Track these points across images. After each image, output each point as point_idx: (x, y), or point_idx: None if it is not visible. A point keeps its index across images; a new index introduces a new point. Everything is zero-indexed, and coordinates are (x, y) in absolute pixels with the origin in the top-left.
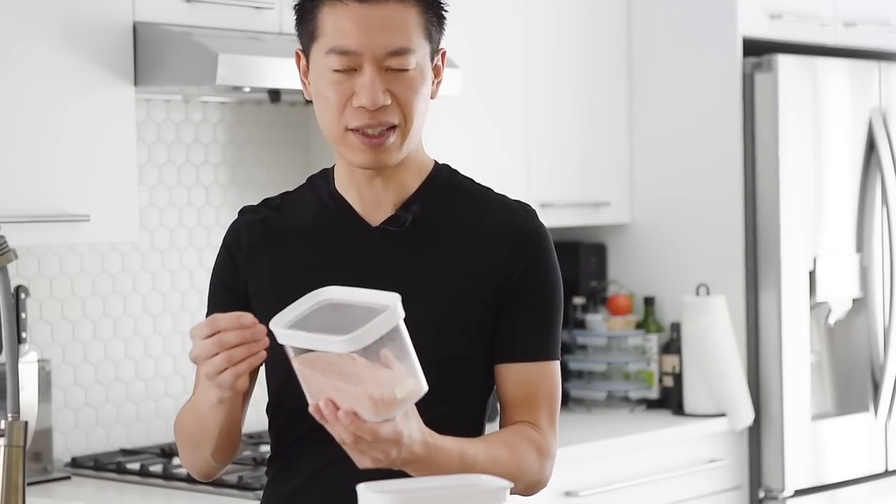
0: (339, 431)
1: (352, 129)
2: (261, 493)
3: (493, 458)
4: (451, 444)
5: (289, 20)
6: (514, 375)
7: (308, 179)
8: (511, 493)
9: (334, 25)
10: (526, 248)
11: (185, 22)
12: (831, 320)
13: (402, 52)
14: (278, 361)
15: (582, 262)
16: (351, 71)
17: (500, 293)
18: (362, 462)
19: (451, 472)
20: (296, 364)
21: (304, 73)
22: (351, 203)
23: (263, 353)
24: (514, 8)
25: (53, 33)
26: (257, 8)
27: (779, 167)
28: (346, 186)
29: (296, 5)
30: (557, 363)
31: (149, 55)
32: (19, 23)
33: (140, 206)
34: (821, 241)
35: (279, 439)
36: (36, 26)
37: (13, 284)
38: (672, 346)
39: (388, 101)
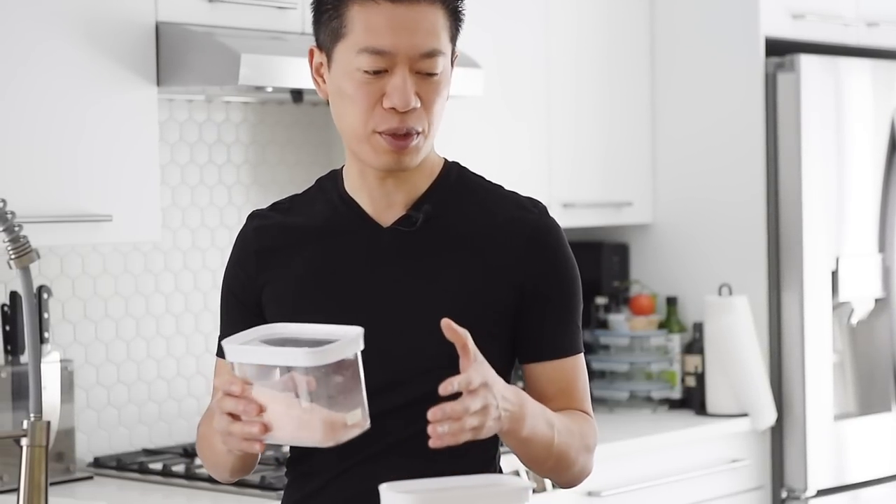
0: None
1: (379, 132)
2: (282, 492)
3: (565, 423)
4: (530, 398)
5: (311, 20)
6: (547, 373)
7: (316, 181)
8: (562, 479)
9: (366, 25)
10: (542, 246)
11: (208, 22)
12: (854, 320)
13: (433, 53)
14: None
15: (604, 261)
16: (381, 72)
17: (516, 291)
18: (473, 435)
19: (540, 427)
20: (253, 389)
21: (317, 71)
22: (361, 205)
23: (257, 446)
24: (537, 8)
25: (76, 33)
26: (280, 8)
27: (801, 167)
28: (357, 188)
29: (315, 1)
30: (583, 354)
31: (171, 55)
32: (42, 22)
33: (163, 206)
34: (843, 241)
35: None
36: (59, 26)
37: (35, 284)
38: (694, 346)
39: (418, 105)
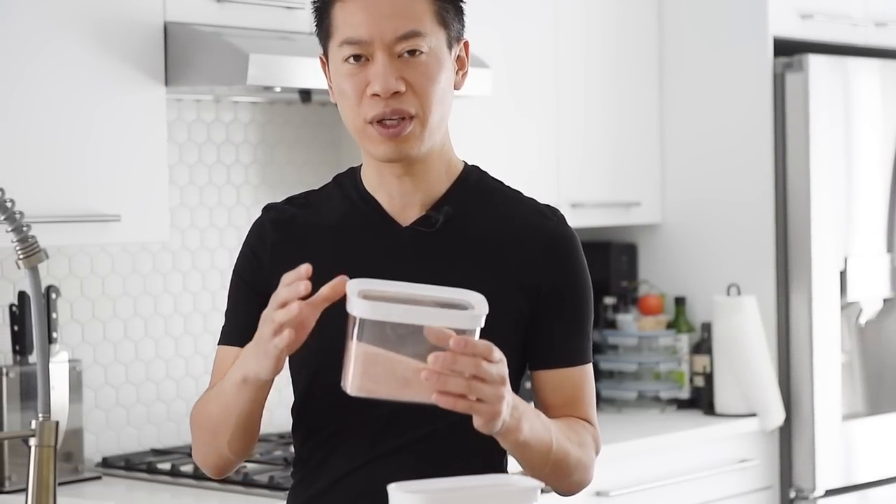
0: (456, 381)
1: (371, 122)
2: (288, 492)
3: (563, 431)
4: (522, 401)
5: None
6: (555, 381)
7: (334, 178)
8: (559, 486)
9: (345, 19)
10: (560, 255)
11: (216, 22)
12: (862, 320)
13: (411, 34)
14: (304, 362)
15: (613, 262)
16: (365, 62)
17: (531, 297)
18: (489, 416)
19: (538, 429)
20: (364, 346)
21: (330, 77)
22: (380, 202)
23: (307, 325)
24: (545, 8)
25: (84, 33)
26: (288, 8)
27: (809, 167)
28: (375, 186)
29: (313, 10)
30: (591, 364)
31: (180, 55)
32: (50, 22)
33: (171, 206)
34: (851, 241)
35: (306, 441)
36: (67, 26)
37: (44, 284)
38: (703, 346)
39: (402, 88)
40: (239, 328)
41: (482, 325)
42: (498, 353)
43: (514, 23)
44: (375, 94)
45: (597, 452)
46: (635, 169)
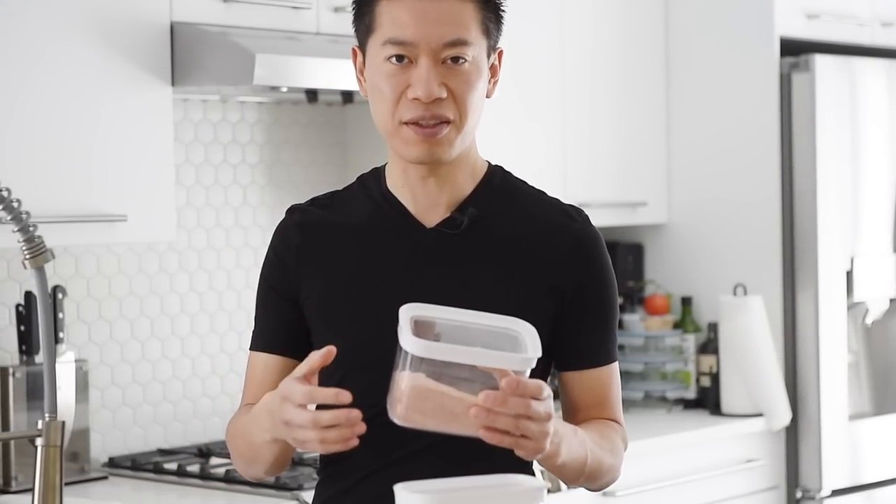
0: (504, 419)
1: (406, 123)
2: (297, 492)
3: (596, 440)
4: (561, 423)
5: (326, 20)
6: (586, 382)
7: (358, 179)
8: (591, 488)
9: (391, 18)
10: (586, 256)
11: (223, 22)
12: (868, 320)
13: (458, 42)
14: (334, 364)
15: (619, 261)
16: (407, 63)
17: (557, 298)
18: (533, 451)
19: (574, 449)
20: (414, 379)
21: (361, 70)
22: (404, 204)
23: (356, 441)
24: (552, 8)
25: (91, 33)
26: (295, 8)
27: (816, 167)
28: (400, 187)
29: (354, 1)
30: (617, 362)
31: (186, 55)
32: (57, 22)
33: (177, 206)
34: (858, 241)
35: None
36: (73, 26)
37: (50, 284)
38: (709, 346)
39: (444, 95)
40: (269, 333)
41: (534, 366)
42: (547, 391)
43: (520, 23)
44: (416, 98)
45: (625, 449)
46: (642, 169)
